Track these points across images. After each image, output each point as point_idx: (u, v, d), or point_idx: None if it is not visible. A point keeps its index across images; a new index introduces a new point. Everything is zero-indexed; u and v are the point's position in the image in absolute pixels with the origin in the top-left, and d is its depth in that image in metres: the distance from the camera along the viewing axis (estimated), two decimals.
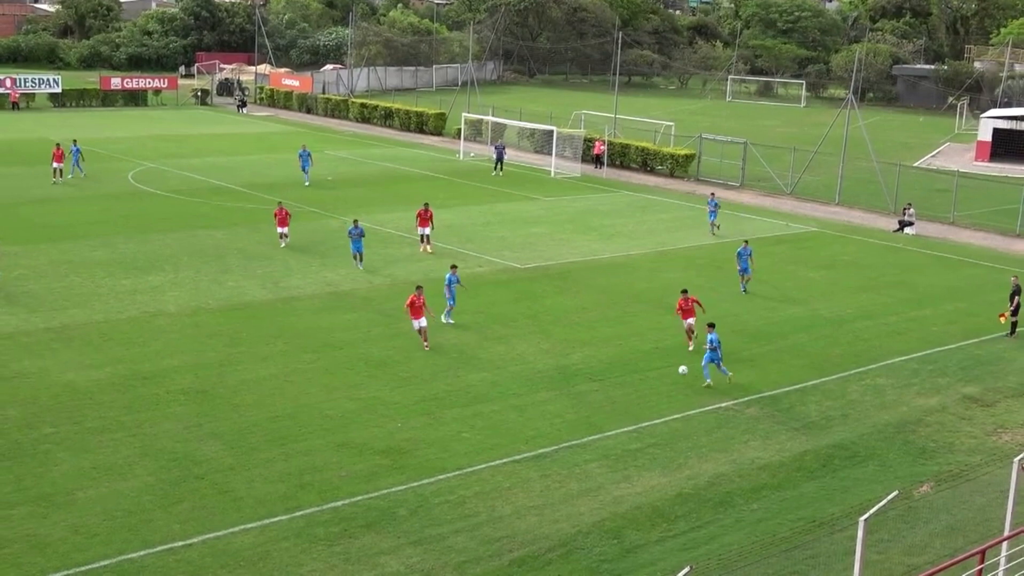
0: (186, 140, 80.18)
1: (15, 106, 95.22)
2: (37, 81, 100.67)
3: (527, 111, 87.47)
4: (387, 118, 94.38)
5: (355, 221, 43.19)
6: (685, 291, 34.16)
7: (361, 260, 42.92)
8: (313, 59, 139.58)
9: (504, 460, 25.66)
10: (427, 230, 46.18)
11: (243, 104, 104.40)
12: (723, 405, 29.68)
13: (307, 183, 61.63)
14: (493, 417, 28.30)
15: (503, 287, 41.56)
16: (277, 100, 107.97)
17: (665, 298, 39.18)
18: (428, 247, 46.12)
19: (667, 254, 48.17)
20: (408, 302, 33.12)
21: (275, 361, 31.97)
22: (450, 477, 24.62)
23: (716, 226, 52.67)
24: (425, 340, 33.12)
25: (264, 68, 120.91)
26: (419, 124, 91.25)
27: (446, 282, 35.96)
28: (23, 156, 68.45)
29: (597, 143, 73.99)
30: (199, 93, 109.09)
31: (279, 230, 45.75)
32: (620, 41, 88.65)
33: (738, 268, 41.43)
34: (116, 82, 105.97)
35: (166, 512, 22.44)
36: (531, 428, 27.69)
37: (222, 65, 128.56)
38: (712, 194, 55.48)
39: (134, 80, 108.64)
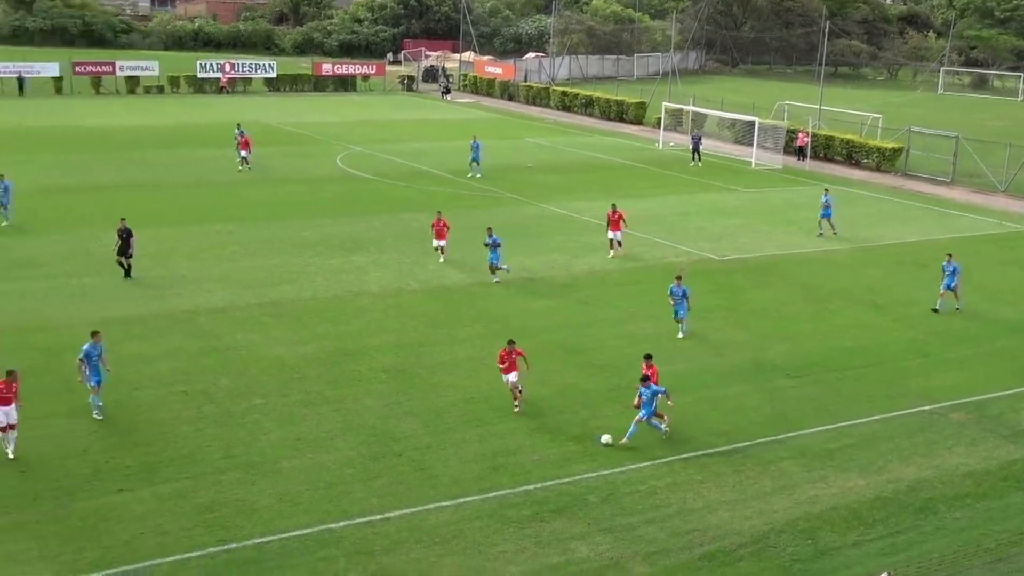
0: (392, 125, 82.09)
1: (223, 91, 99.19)
2: (254, 66, 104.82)
3: (728, 101, 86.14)
4: (587, 106, 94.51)
5: (489, 230, 39.82)
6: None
7: (495, 272, 39.22)
8: (516, 47, 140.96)
9: (696, 453, 25.41)
10: (618, 234, 43.13)
11: (447, 91, 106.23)
12: (926, 409, 28.63)
13: (479, 175, 60.01)
14: (686, 409, 28.00)
15: (700, 278, 41.03)
16: (480, 87, 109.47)
17: (868, 296, 38.08)
18: (617, 251, 43.34)
19: (871, 250, 46.73)
20: (499, 358, 27.74)
21: (472, 344, 32.46)
22: (641, 467, 24.53)
23: (830, 226, 48.48)
24: (516, 400, 27.59)
25: (468, 56, 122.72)
26: (619, 113, 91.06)
27: (674, 293, 33.65)
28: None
29: (800, 134, 72.34)
30: (405, 80, 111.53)
31: (436, 243, 41.38)
32: (827, 31, 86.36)
33: (944, 283, 37.39)
34: (327, 68, 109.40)
35: (365, 486, 23.09)
36: (725, 422, 27.33)
37: (428, 52, 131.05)
38: (826, 190, 51.13)
39: (344, 66, 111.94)
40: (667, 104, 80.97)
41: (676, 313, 33.72)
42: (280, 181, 57.11)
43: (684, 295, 33.40)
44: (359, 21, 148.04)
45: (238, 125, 62.68)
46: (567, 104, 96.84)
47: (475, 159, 60.65)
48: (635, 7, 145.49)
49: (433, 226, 41.38)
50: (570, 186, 59.00)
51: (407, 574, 19.86)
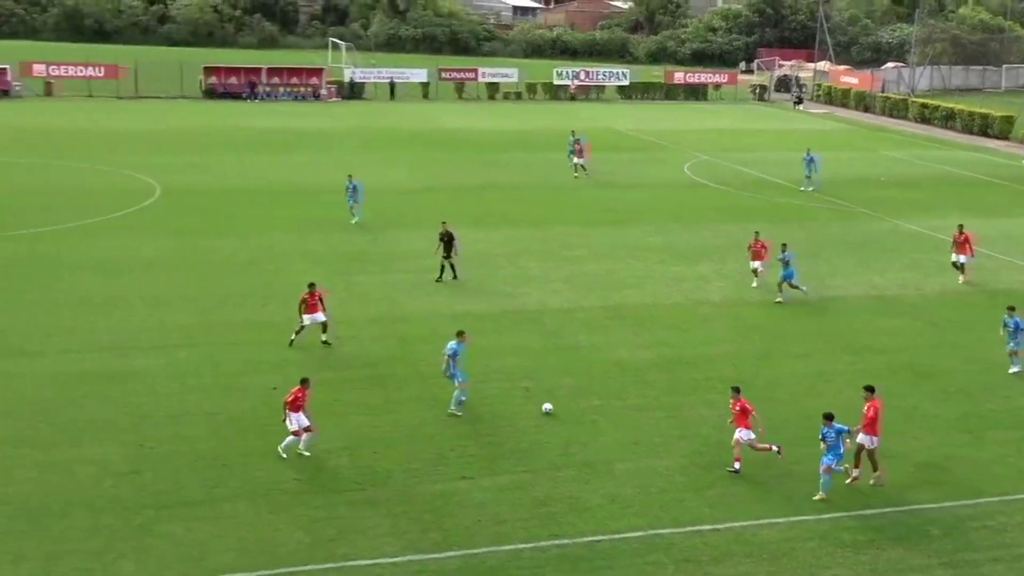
0: (741, 135, 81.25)
1: (573, 98, 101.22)
2: (607, 74, 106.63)
3: None
4: (948, 119, 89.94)
5: (783, 246, 37.28)
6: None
7: (783, 289, 36.98)
8: (874, 56, 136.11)
9: None
10: (963, 258, 39.95)
11: (799, 101, 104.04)
12: None
13: (811, 188, 57.29)
14: None
15: None
16: (834, 98, 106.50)
17: None
18: (966, 276, 40.28)
19: None
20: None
21: (812, 360, 31.64)
22: (991, 502, 23.07)
23: None
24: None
25: (823, 65, 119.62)
26: (983, 127, 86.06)
27: (1007, 325, 30.77)
28: (592, 143, 72.70)
29: None
30: (757, 89, 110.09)
31: (753, 264, 38.81)
32: None
33: None
34: (679, 76, 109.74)
35: (697, 495, 22.97)
36: None
37: (781, 62, 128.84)
38: None
39: (696, 75, 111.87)
40: None
41: (1008, 344, 30.74)
42: (627, 187, 57.77)
43: (1018, 327, 30.40)
44: (713, 30, 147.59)
45: (572, 132, 63.78)
46: (926, 116, 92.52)
47: (809, 173, 58.17)
48: (1005, 15, 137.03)
49: (750, 247, 38.92)
50: (925, 202, 56.36)
51: None
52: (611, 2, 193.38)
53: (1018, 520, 22.36)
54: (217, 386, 27.73)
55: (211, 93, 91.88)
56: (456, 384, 26.75)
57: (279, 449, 23.90)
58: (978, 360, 31.55)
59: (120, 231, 43.30)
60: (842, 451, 22.69)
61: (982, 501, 23.11)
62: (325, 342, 30.25)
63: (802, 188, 58.10)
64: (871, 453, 23.39)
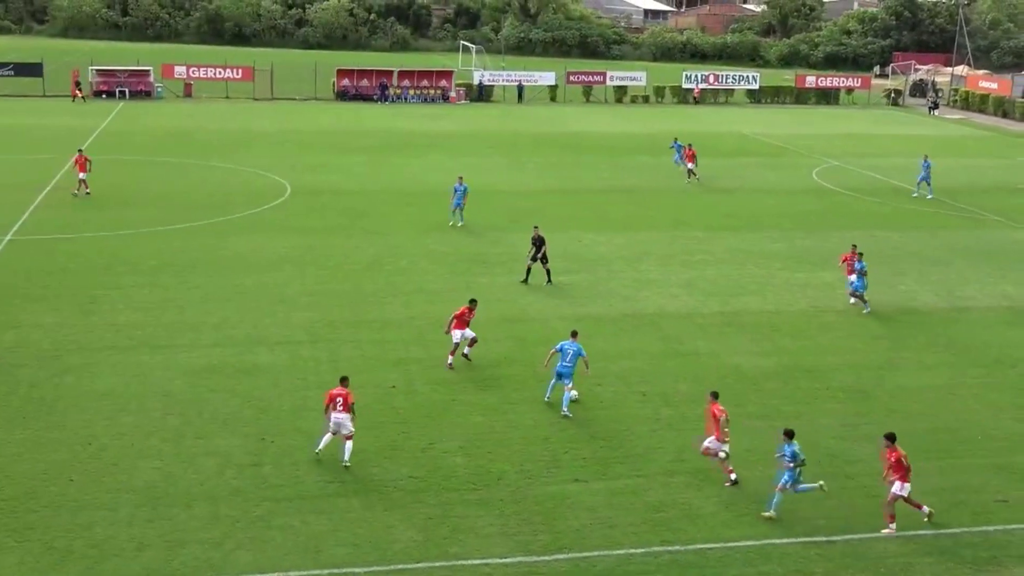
0: (872, 140, 79.45)
1: (695, 101, 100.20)
2: (737, 78, 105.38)
3: None
4: None
5: (859, 255, 36.03)
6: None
7: (857, 299, 36.01)
8: (1015, 61, 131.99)
9: None
10: None
11: (935, 106, 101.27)
12: None
13: (926, 194, 55.58)
14: None
15: None
16: (971, 103, 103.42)
17: None
18: None
19: None
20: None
21: (939, 371, 30.78)
22: None
23: None
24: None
25: (961, 69, 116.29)
26: None
27: None
28: (715, 147, 72.01)
29: None
30: (891, 93, 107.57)
31: (848, 281, 36.60)
32: None
33: None
34: (810, 80, 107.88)
35: (813, 506, 22.52)
36: None
37: (917, 66, 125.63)
38: None
39: (828, 79, 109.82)
40: None
41: None
42: (752, 192, 56.99)
43: None
44: (848, 33, 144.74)
45: (675, 139, 63.27)
46: None
47: (923, 179, 56.06)
48: None
49: (844, 261, 37.07)
50: None
51: None
52: (743, 5, 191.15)
53: None
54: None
55: (343, 95, 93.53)
56: (565, 386, 26.73)
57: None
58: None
59: (250, 229, 44.36)
60: (797, 472, 21.68)
61: None
62: (466, 356, 30.08)
63: (915, 194, 56.42)
64: (907, 500, 21.75)
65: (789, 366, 30.64)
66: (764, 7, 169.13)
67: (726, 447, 23.20)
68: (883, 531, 21.64)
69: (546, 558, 20.23)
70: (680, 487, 23.13)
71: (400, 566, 19.84)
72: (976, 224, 50.33)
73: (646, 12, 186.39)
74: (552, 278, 37.82)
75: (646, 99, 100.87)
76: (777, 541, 21.08)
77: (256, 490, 22.33)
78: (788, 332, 33.67)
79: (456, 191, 45.47)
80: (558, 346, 26.98)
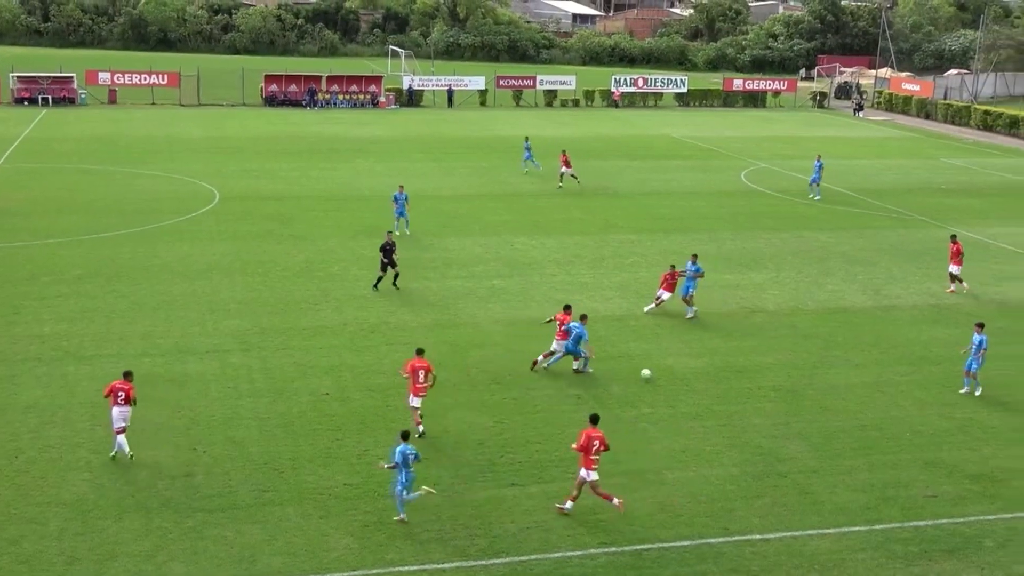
0: (799, 142, 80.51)
1: (615, 104, 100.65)
2: (665, 82, 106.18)
3: None
4: (1012, 127, 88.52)
5: (693, 257, 36.21)
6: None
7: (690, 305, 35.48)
8: (936, 63, 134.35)
9: None
10: (955, 269, 39.01)
11: (859, 108, 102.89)
12: None
13: (815, 197, 56.44)
14: None
15: None
16: (895, 105, 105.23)
17: None
18: (958, 287, 39.30)
19: None
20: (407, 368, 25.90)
21: (867, 369, 31.28)
22: None
23: None
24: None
25: (884, 72, 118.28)
26: None
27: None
28: (644, 149, 72.62)
29: None
30: (817, 96, 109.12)
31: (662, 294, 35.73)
32: None
33: None
34: (738, 83, 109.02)
35: (747, 504, 22.80)
36: None
37: (841, 68, 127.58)
38: None
39: (755, 82, 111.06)
40: None
41: (970, 365, 29.28)
42: (682, 194, 57.47)
43: (980, 345, 28.99)
44: (774, 37, 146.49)
45: (526, 138, 62.56)
46: (989, 124, 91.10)
47: (815, 180, 56.52)
48: None
49: (665, 278, 35.81)
50: (986, 210, 55.50)
51: None
52: (671, 9, 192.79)
53: None
54: (269, 390, 27.97)
55: (271, 101, 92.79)
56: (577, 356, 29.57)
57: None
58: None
59: (179, 237, 43.83)
60: (411, 474, 21.37)
61: None
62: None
63: (811, 196, 56.51)
64: (593, 487, 21.89)
65: (721, 366, 30.95)
66: (691, 11, 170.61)
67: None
68: (561, 505, 22.18)
69: (483, 562, 20.22)
70: (616, 489, 23.14)
71: (337, 574, 19.71)
72: (901, 224, 51.23)
73: (574, 16, 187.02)
74: (397, 284, 37.21)
75: (576, 103, 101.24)
76: (712, 540, 21.27)
77: (189, 501, 22.07)
78: (719, 333, 34.00)
79: (397, 200, 45.19)
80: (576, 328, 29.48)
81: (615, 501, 21.95)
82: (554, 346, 29.94)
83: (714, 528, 21.76)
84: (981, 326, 29.31)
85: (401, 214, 44.96)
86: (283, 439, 25.11)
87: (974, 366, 29.07)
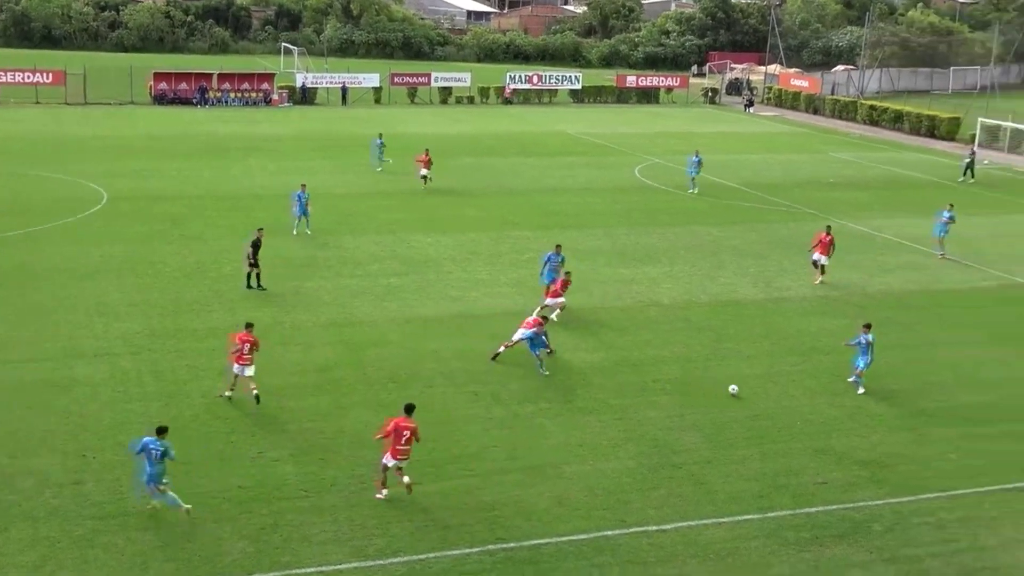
0: (691, 137, 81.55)
1: (507, 101, 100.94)
2: (559, 78, 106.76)
3: None
4: (896, 121, 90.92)
5: (557, 247, 36.67)
6: None
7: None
8: (824, 60, 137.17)
9: (993, 488, 23.97)
10: (824, 258, 39.84)
11: (750, 103, 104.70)
12: None
13: (694, 190, 57.64)
14: (986, 441, 26.50)
15: (1009, 305, 38.77)
16: (784, 100, 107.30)
17: None
18: (823, 277, 40.08)
19: None
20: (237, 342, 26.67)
21: (760, 360, 31.85)
22: (932, 498, 23.37)
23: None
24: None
25: (774, 68, 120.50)
26: (930, 128, 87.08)
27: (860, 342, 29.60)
28: (540, 147, 72.90)
29: None
30: (709, 92, 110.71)
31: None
32: None
33: None
34: (631, 80, 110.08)
35: (643, 496, 23.06)
36: None
37: (732, 65, 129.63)
38: (951, 205, 46.06)
39: (648, 78, 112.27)
40: (983, 120, 76.73)
41: (858, 364, 29.37)
42: (578, 190, 57.85)
43: (869, 345, 29.12)
44: (666, 33, 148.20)
45: (379, 135, 62.38)
46: (875, 118, 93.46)
47: (692, 174, 57.58)
48: (954, 18, 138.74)
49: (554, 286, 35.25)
50: (871, 203, 56.89)
51: None
52: (564, 7, 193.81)
53: (958, 515, 22.65)
54: (160, 394, 27.47)
55: (161, 99, 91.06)
56: (535, 355, 29.46)
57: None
58: (920, 360, 31.87)
59: (66, 239, 42.79)
60: (156, 469, 20.96)
61: (923, 497, 23.40)
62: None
63: (690, 191, 57.37)
64: (394, 470, 22.29)
65: (617, 360, 31.23)
66: (585, 8, 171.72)
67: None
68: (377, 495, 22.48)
69: (381, 562, 20.13)
70: (513, 485, 23.33)
71: None
72: (791, 217, 52.25)
73: (469, 13, 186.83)
74: (261, 283, 36.78)
75: (471, 100, 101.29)
76: (609, 533, 21.47)
77: (78, 508, 21.56)
78: (614, 327, 34.29)
79: (299, 199, 44.55)
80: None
81: (383, 493, 22.29)
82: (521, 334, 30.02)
83: (611, 520, 21.96)
84: (868, 327, 29.49)
85: (303, 213, 44.43)
86: (175, 443, 24.56)
87: (860, 364, 29.27)
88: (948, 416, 28.04)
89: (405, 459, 22.33)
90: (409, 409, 22.73)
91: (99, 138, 70.38)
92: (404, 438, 22.11)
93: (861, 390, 29.34)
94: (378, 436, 22.71)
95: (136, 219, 46.64)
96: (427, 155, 56.11)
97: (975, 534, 21.90)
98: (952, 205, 46.29)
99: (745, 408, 28.02)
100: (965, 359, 32.49)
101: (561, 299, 34.09)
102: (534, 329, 29.69)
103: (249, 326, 27.28)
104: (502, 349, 30.41)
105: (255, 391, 26.73)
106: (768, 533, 21.71)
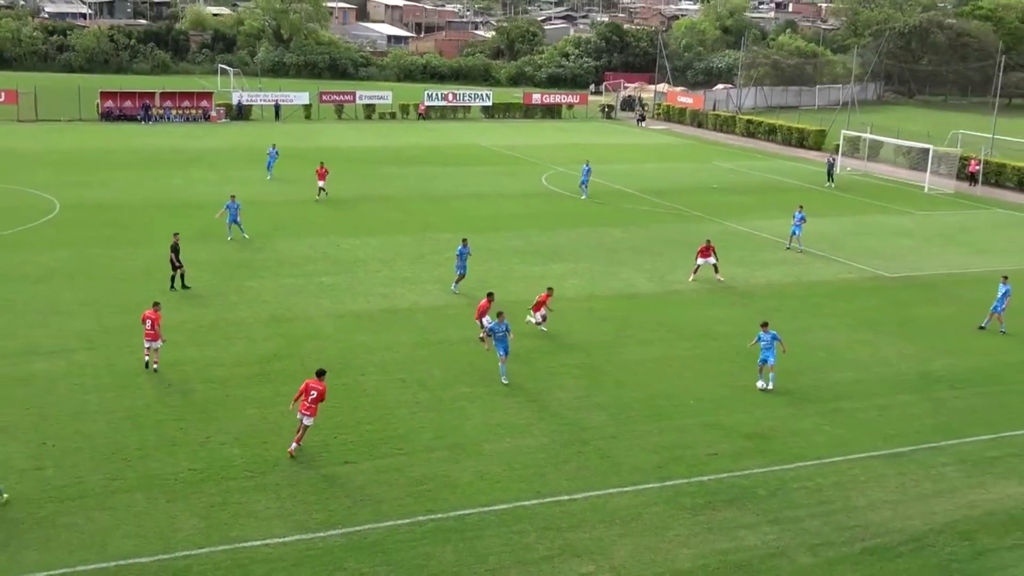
0: (592, 149, 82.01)
1: (421, 117, 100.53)
2: (473, 96, 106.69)
3: (904, 130, 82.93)
4: (770, 133, 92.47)
5: (464, 240, 37.66)
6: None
7: (457, 282, 37.13)
8: (706, 79, 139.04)
9: (861, 455, 24.57)
10: (711, 260, 39.65)
11: (642, 119, 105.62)
12: None
13: (584, 196, 57.19)
14: (854, 414, 27.14)
15: (871, 294, 39.72)
16: (672, 115, 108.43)
17: None
18: (697, 276, 40.08)
19: None
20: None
21: (656, 346, 32.22)
22: (809, 465, 23.88)
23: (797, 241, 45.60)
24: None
25: (662, 87, 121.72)
26: (800, 139, 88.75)
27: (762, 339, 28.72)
28: (456, 157, 72.80)
29: (972, 161, 69.05)
30: (605, 108, 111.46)
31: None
32: (1003, 64, 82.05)
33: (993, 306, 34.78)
34: (536, 98, 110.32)
35: (556, 469, 23.20)
36: (890, 427, 26.33)
37: (626, 84, 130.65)
38: (800, 207, 46.44)
39: (551, 96, 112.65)
40: (845, 132, 78.39)
41: (766, 361, 28.52)
42: (492, 196, 57.91)
43: (774, 340, 28.42)
44: (566, 56, 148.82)
45: (273, 145, 62.08)
46: (752, 131, 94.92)
47: (583, 182, 57.58)
48: (818, 42, 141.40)
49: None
50: (751, 206, 57.83)
51: (590, 550, 19.87)
52: (475, 32, 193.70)
53: (832, 480, 23.16)
54: (115, 385, 26.93)
55: (108, 116, 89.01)
56: (499, 357, 28.14)
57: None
58: (799, 343, 32.44)
59: (20, 245, 41.68)
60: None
61: (802, 465, 23.89)
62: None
63: (583, 197, 57.29)
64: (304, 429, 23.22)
65: (529, 348, 31.32)
66: (493, 33, 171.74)
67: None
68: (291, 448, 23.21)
69: (321, 534, 19.99)
70: (439, 461, 23.31)
71: (184, 553, 19.16)
72: (681, 219, 52.89)
73: (389, 38, 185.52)
74: (185, 283, 36.17)
75: (393, 115, 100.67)
76: (526, 503, 21.57)
77: (40, 492, 21.06)
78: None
79: (230, 208, 43.82)
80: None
81: (292, 448, 23.13)
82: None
83: (528, 492, 22.06)
84: (766, 325, 28.66)
85: (234, 220, 43.75)
86: (129, 430, 24.23)
87: (771, 359, 28.47)
88: (821, 393, 28.65)
89: (311, 416, 23.04)
90: (320, 373, 23.41)
91: (51, 152, 68.58)
92: (311, 397, 22.85)
93: (771, 385, 28.41)
94: (295, 400, 23.25)
95: (86, 226, 45.59)
96: (323, 167, 54.50)
97: (847, 496, 22.42)
98: (802, 206, 46.79)
99: (645, 389, 28.33)
100: (835, 342, 33.23)
101: (543, 311, 32.86)
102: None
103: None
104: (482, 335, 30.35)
105: (155, 365, 27.79)
106: (667, 499, 21.99)
